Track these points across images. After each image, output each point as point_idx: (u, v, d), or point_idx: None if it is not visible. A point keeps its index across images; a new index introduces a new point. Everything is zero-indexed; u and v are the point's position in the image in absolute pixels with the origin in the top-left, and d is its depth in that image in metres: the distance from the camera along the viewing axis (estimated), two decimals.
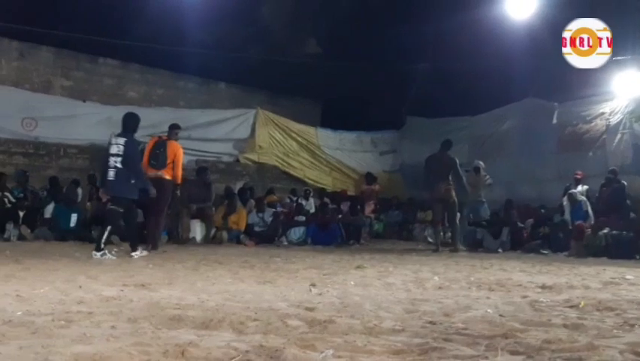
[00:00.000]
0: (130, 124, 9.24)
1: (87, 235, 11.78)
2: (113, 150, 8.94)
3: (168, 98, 18.56)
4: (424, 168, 12.94)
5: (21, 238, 11.42)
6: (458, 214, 13.19)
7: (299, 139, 19.53)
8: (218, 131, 18.09)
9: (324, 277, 6.64)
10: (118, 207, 8.90)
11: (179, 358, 2.68)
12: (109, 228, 8.87)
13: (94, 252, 8.62)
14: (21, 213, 11.96)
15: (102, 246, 8.67)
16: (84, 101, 16.72)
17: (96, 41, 15.67)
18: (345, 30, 17.95)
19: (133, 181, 8.94)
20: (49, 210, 12.37)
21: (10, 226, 11.36)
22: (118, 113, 16.22)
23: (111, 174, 8.89)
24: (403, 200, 18.31)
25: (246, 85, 19.96)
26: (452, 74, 16.69)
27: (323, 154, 19.79)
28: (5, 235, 11.24)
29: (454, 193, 12.52)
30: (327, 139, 20.06)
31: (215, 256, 9.36)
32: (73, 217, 12.25)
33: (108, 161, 8.97)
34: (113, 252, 8.94)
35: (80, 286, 5.14)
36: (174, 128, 10.92)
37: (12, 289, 4.76)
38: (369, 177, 18.28)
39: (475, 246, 13.00)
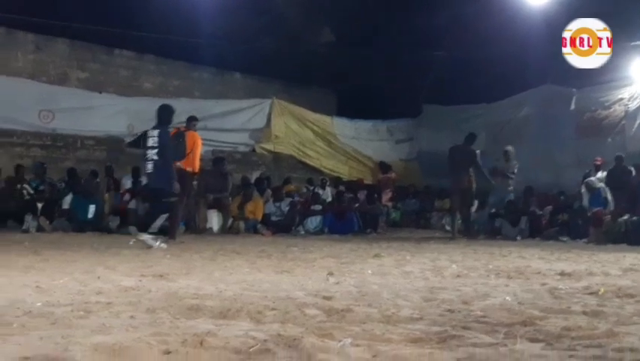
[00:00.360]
0: (163, 116, 9.34)
1: (105, 226, 11.86)
2: (149, 142, 9.11)
3: (184, 88, 18.59)
4: (448, 158, 13.03)
5: (40, 229, 11.50)
6: (476, 202, 13.29)
7: (315, 128, 19.51)
8: (234, 121, 18.12)
9: (341, 266, 6.64)
10: (169, 198, 9.05)
11: (197, 347, 2.68)
12: (170, 217, 9.27)
13: (169, 240, 9.07)
14: (39, 205, 12.03)
15: (175, 236, 9.24)
16: (100, 92, 16.80)
17: (111, 33, 15.71)
18: (360, 18, 17.87)
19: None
20: (67, 202, 12.43)
21: (28, 218, 11.44)
22: (134, 104, 16.47)
23: (149, 166, 9.04)
24: (420, 188, 18.26)
25: (261, 75, 19.94)
26: (469, 61, 16.56)
27: (339, 143, 19.77)
28: (24, 227, 11.32)
29: (474, 185, 12.72)
30: (343, 128, 20.03)
31: (233, 245, 9.38)
32: (91, 208, 12.31)
33: (146, 155, 9.09)
34: (131, 242, 9.00)
35: (99, 277, 5.17)
36: (192, 120, 10.99)
37: (31, 281, 4.79)
38: (384, 166, 18.26)
39: (494, 234, 12.96)
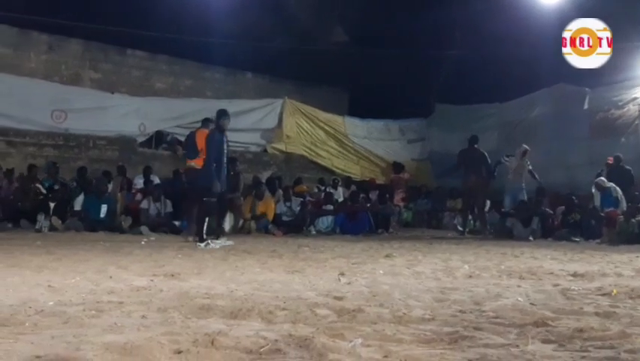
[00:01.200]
0: (216, 119, 9.64)
1: (117, 226, 11.88)
2: None
3: (195, 88, 18.63)
4: (457, 160, 13.40)
5: (52, 228, 11.52)
6: (488, 202, 13.40)
7: (326, 128, 19.47)
8: (245, 121, 18.08)
9: (352, 266, 6.63)
10: (210, 198, 9.11)
11: (208, 347, 2.69)
12: (207, 219, 9.25)
13: (198, 243, 8.95)
14: (52, 205, 12.06)
15: (204, 237, 9.06)
16: (112, 92, 16.83)
17: (124, 33, 15.78)
18: (371, 18, 17.85)
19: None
20: (79, 202, 12.43)
21: (41, 217, 11.46)
22: (146, 104, 16.54)
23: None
24: (432, 188, 18.19)
25: (272, 75, 19.95)
26: (481, 61, 16.53)
27: (351, 143, 19.72)
28: (37, 226, 11.34)
29: (484, 187, 13.09)
30: (354, 128, 19.99)
31: (244, 245, 9.37)
32: (104, 208, 12.31)
33: None
34: (143, 242, 9.02)
35: (111, 277, 5.19)
36: (207, 121, 11.21)
37: (44, 280, 4.81)
38: (397, 166, 18.23)
39: (506, 234, 12.90)
